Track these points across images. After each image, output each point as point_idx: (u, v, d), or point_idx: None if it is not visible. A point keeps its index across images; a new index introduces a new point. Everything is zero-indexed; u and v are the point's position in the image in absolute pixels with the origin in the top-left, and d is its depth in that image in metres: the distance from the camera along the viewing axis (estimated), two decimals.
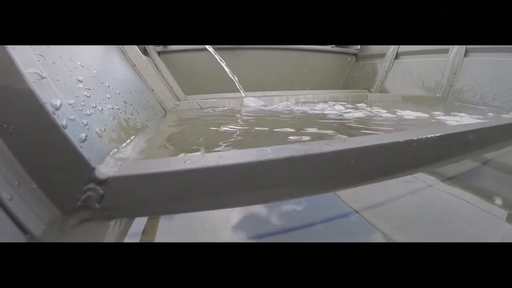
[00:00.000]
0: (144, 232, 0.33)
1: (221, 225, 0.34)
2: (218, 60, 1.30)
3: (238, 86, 1.31)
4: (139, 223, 0.35)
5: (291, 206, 0.38)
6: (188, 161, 0.41)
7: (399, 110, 1.13)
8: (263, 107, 1.26)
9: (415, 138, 0.51)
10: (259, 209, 0.37)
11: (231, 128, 0.88)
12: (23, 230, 0.30)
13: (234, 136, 0.78)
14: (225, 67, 1.30)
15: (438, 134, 0.53)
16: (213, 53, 1.30)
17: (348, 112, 1.13)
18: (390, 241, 0.29)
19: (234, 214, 0.37)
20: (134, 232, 0.33)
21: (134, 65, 1.04)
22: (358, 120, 1.00)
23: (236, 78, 1.31)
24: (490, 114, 1.02)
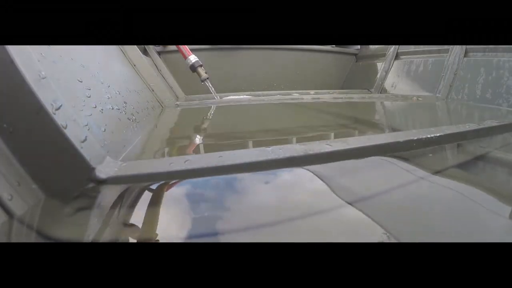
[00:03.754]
0: (143, 222, 0.33)
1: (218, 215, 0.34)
2: (211, 90, 1.31)
3: (211, 90, 1.32)
4: (137, 215, 0.35)
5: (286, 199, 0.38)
6: (188, 161, 0.40)
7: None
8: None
9: (415, 138, 0.51)
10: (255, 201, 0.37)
11: (233, 124, 0.88)
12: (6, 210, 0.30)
13: (236, 131, 0.78)
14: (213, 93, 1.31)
15: (438, 134, 0.53)
16: (209, 86, 1.31)
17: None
18: (388, 241, 0.29)
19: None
20: (132, 222, 0.33)
21: (134, 65, 1.04)
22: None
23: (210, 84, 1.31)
24: (490, 114, 1.02)
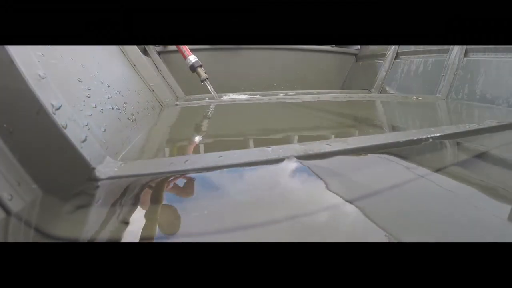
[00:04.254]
0: (142, 221, 0.33)
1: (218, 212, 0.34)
2: (211, 90, 1.30)
3: (212, 92, 1.31)
4: (138, 213, 0.34)
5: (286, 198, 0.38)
6: (188, 161, 0.41)
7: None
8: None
9: (415, 138, 0.51)
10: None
11: (233, 124, 0.88)
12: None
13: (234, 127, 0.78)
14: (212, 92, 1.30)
15: (438, 134, 0.53)
16: (208, 86, 1.31)
17: None
18: (387, 240, 0.29)
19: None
20: (132, 220, 0.33)
21: (134, 65, 1.04)
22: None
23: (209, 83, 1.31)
24: (490, 114, 1.03)
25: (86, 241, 0.29)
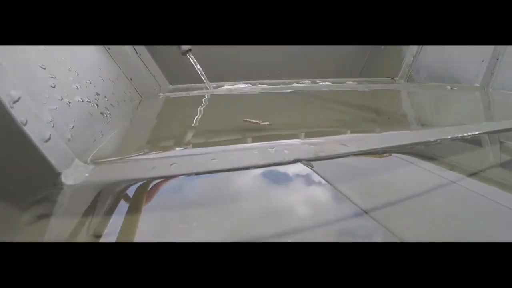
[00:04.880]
0: (119, 231, 0.33)
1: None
2: (197, 69, 1.30)
3: (204, 80, 1.31)
4: (112, 226, 0.34)
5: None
6: (174, 164, 0.41)
7: None
8: None
9: (449, 137, 0.51)
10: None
11: (229, 119, 0.88)
12: None
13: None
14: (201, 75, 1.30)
15: (476, 132, 0.53)
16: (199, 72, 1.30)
17: None
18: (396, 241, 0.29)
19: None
20: (105, 234, 0.33)
21: (108, 49, 1.04)
22: None
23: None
24: None
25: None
